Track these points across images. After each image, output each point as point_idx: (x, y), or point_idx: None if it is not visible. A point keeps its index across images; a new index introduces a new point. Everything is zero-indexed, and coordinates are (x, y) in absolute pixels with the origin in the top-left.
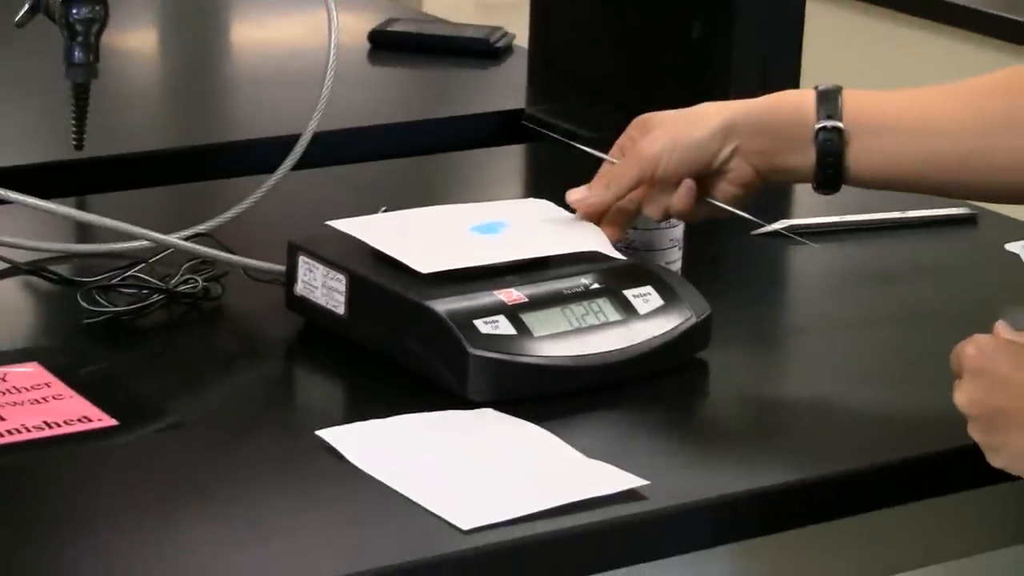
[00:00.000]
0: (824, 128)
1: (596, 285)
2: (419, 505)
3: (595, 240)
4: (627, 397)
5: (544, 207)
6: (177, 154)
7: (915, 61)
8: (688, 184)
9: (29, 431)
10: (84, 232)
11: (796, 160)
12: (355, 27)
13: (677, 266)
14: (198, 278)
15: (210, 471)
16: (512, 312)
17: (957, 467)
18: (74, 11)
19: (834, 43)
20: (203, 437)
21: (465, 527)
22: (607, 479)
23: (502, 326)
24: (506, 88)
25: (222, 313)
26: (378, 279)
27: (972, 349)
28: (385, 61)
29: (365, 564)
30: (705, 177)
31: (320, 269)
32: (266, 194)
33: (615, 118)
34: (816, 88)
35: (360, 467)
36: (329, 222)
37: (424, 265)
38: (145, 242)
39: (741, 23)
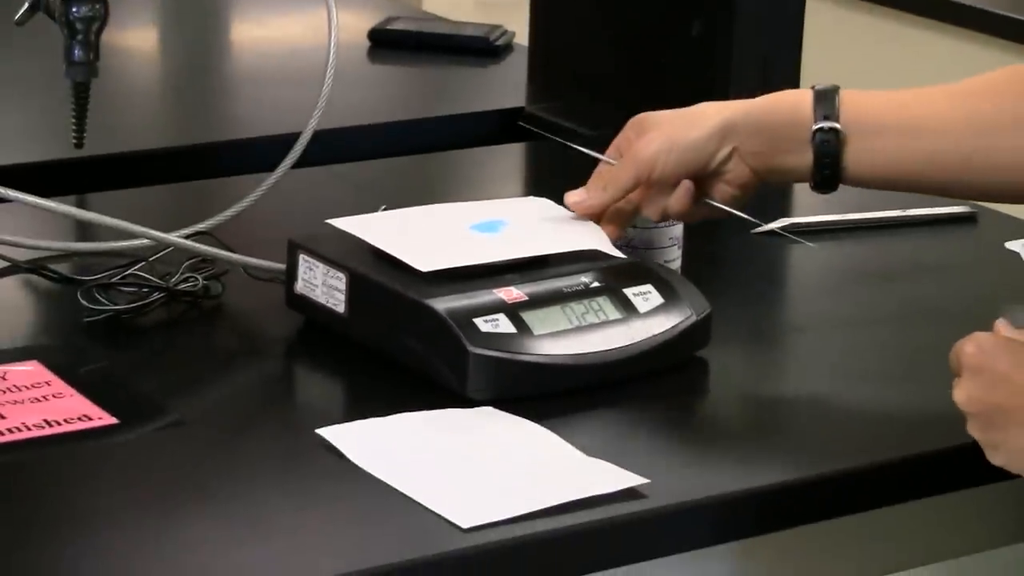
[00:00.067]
0: (821, 129)
1: (596, 283)
2: (419, 503)
3: (595, 238)
4: (627, 396)
5: (544, 205)
6: (177, 152)
7: (916, 60)
8: (686, 185)
9: (29, 429)
10: (84, 230)
11: (794, 161)
12: (355, 25)
13: (677, 265)
14: (198, 276)
15: (210, 469)
16: (512, 310)
17: (957, 465)
18: (74, 9)
19: (834, 42)
20: (203, 435)
21: (465, 525)
22: (607, 478)
23: (502, 324)
24: (506, 86)
25: (222, 311)
26: (378, 277)
27: (971, 347)
28: (385, 59)
29: (365, 562)
30: (703, 178)
31: (320, 267)
32: (266, 192)
33: (615, 116)
34: (813, 88)
35: (360, 465)
36: (329, 221)
37: (424, 264)
38: (145, 240)
39: (741, 22)
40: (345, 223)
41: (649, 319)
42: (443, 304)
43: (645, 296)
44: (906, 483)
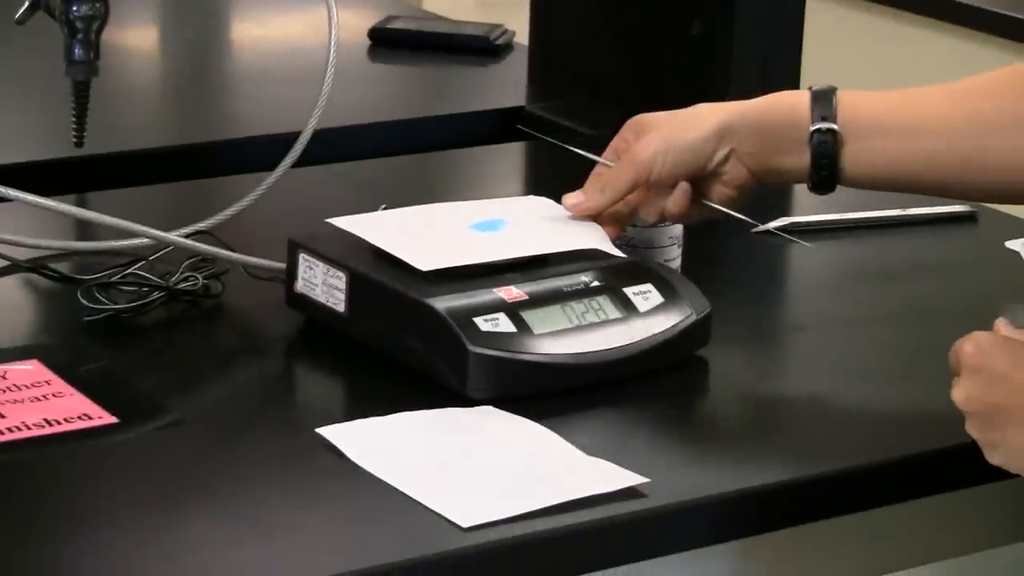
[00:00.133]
0: (819, 130)
1: (596, 283)
2: (419, 503)
3: (595, 238)
4: (627, 395)
5: (544, 204)
6: (177, 151)
7: (917, 60)
8: (683, 187)
9: (29, 429)
10: (84, 230)
11: (791, 162)
12: (355, 24)
13: (677, 264)
14: (198, 276)
15: (210, 469)
16: (512, 310)
17: (956, 465)
18: (74, 8)
19: (835, 41)
20: (203, 435)
21: (465, 525)
22: (607, 477)
23: (502, 324)
24: (506, 86)
25: (222, 311)
26: (378, 277)
27: (970, 346)
28: (385, 58)
29: (365, 562)
30: (700, 179)
31: (320, 267)
32: (266, 192)
33: (615, 116)
34: (811, 89)
35: (360, 465)
36: (329, 220)
37: (424, 263)
38: (145, 240)
39: (741, 21)
40: (345, 222)
41: (649, 318)
42: (443, 303)
43: (645, 295)
44: (906, 483)
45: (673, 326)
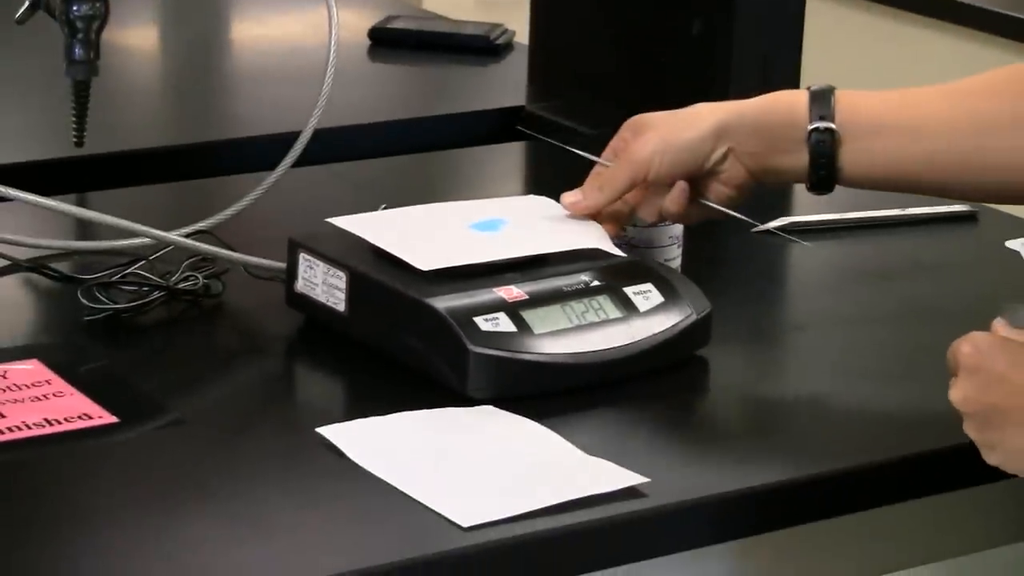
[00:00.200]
0: (817, 129)
1: (596, 282)
2: (419, 502)
3: (595, 237)
4: (627, 394)
5: (544, 204)
6: (177, 151)
7: (916, 60)
8: (681, 186)
9: (29, 428)
10: (85, 229)
11: (789, 161)
12: (355, 24)
13: (677, 263)
14: (198, 275)
15: (210, 468)
16: (512, 309)
17: (956, 465)
18: (74, 8)
19: (835, 41)
20: (203, 434)
21: (465, 524)
22: (607, 476)
23: (502, 323)
24: (506, 85)
25: (222, 310)
26: (379, 276)
27: (968, 347)
28: (385, 58)
29: (365, 561)
30: (698, 178)
31: (320, 266)
32: (266, 191)
33: (615, 115)
34: (809, 89)
35: (360, 464)
36: (329, 219)
37: (424, 263)
38: (145, 239)
39: (741, 21)
40: (345, 222)
41: (649, 318)
42: (443, 303)
43: (645, 295)
44: (905, 482)
45: (673, 326)
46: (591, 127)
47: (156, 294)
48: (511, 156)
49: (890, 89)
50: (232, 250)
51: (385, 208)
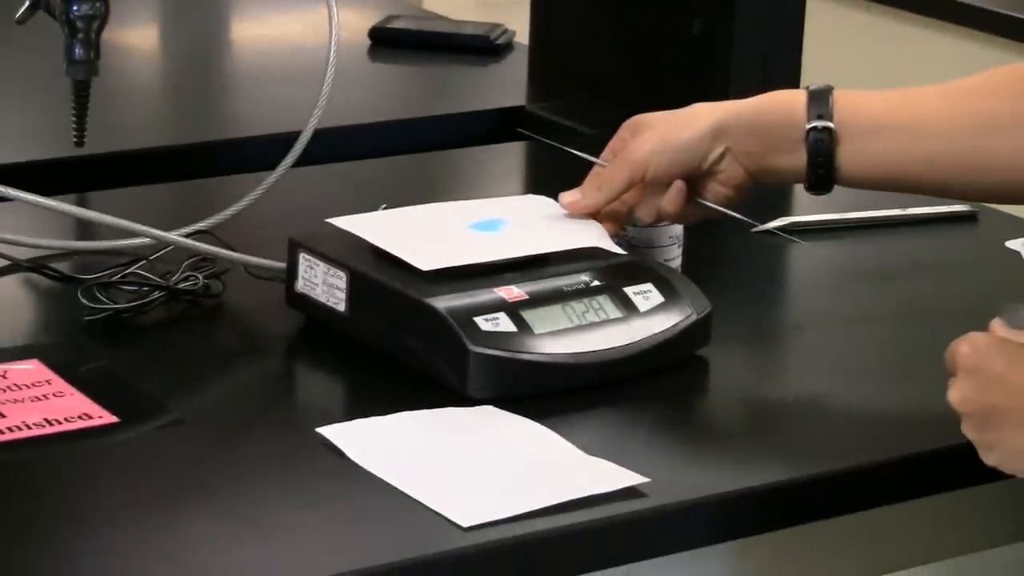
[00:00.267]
0: (815, 128)
1: (596, 282)
2: (419, 502)
3: (595, 236)
4: (627, 394)
5: (543, 203)
6: (177, 151)
7: (916, 60)
8: (678, 185)
9: (30, 428)
10: (85, 229)
11: (787, 161)
12: (355, 24)
13: (677, 263)
14: (199, 275)
15: (210, 468)
16: (513, 309)
17: (955, 465)
18: (75, 8)
19: (835, 41)
20: (203, 434)
21: (465, 524)
22: (607, 476)
23: (503, 323)
24: (506, 85)
25: (223, 310)
26: (379, 276)
27: (966, 347)
28: (385, 58)
29: (365, 561)
30: (696, 178)
31: (321, 266)
32: (266, 191)
33: (615, 115)
34: (807, 88)
35: (360, 464)
36: (329, 220)
37: (424, 263)
38: (146, 239)
39: (741, 21)
40: (345, 222)
41: (649, 318)
42: (444, 303)
43: (645, 295)
44: (905, 482)
45: (673, 326)
46: (591, 127)
47: (156, 294)
48: (511, 156)
49: (890, 89)
50: (232, 250)
51: (385, 208)
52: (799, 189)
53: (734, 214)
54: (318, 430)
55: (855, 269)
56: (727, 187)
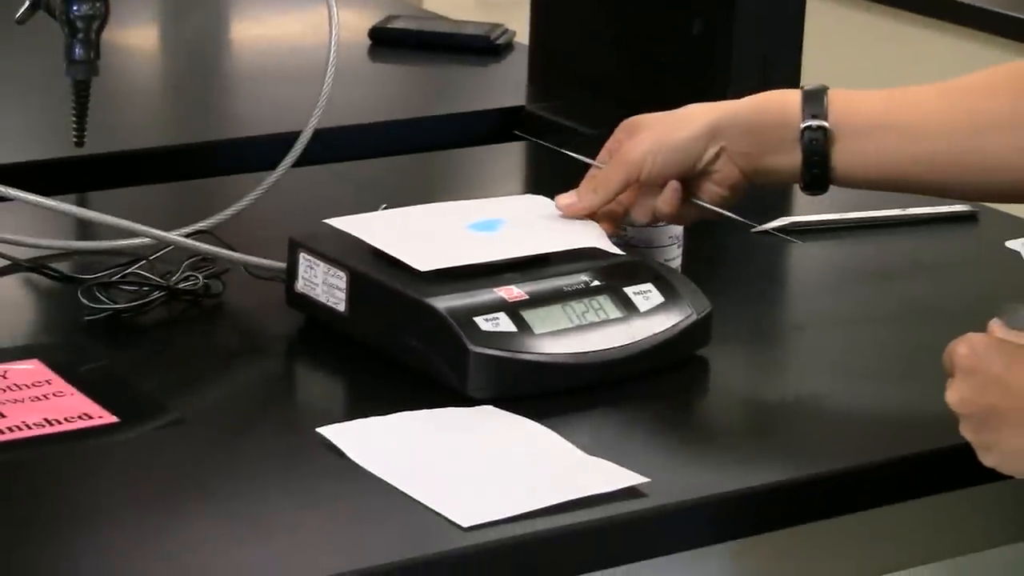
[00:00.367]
0: (809, 128)
1: (596, 282)
2: (419, 502)
3: (594, 236)
4: (627, 394)
5: (541, 203)
6: (178, 151)
7: (916, 60)
8: (673, 185)
9: (30, 428)
10: (85, 229)
11: (782, 161)
12: (355, 24)
13: (677, 263)
14: (199, 275)
15: (211, 468)
16: (513, 309)
17: (955, 465)
18: (75, 8)
19: (835, 41)
20: (204, 434)
21: (465, 524)
22: (607, 476)
23: (503, 323)
24: (506, 85)
25: (223, 310)
26: (379, 276)
27: (964, 348)
28: (386, 58)
29: (365, 561)
30: (691, 179)
31: (321, 266)
32: (267, 191)
33: (615, 116)
34: (803, 88)
35: (361, 464)
36: (328, 220)
37: (423, 263)
38: (146, 239)
39: (741, 21)
40: (343, 223)
41: (649, 318)
42: (444, 303)
43: (645, 295)
44: (905, 482)
45: (673, 326)
46: (591, 127)
47: (156, 294)
48: (511, 156)
49: (887, 88)
50: (232, 250)
51: (385, 208)
52: (798, 189)
53: (730, 214)
54: (318, 430)
55: (855, 269)
56: (722, 187)
